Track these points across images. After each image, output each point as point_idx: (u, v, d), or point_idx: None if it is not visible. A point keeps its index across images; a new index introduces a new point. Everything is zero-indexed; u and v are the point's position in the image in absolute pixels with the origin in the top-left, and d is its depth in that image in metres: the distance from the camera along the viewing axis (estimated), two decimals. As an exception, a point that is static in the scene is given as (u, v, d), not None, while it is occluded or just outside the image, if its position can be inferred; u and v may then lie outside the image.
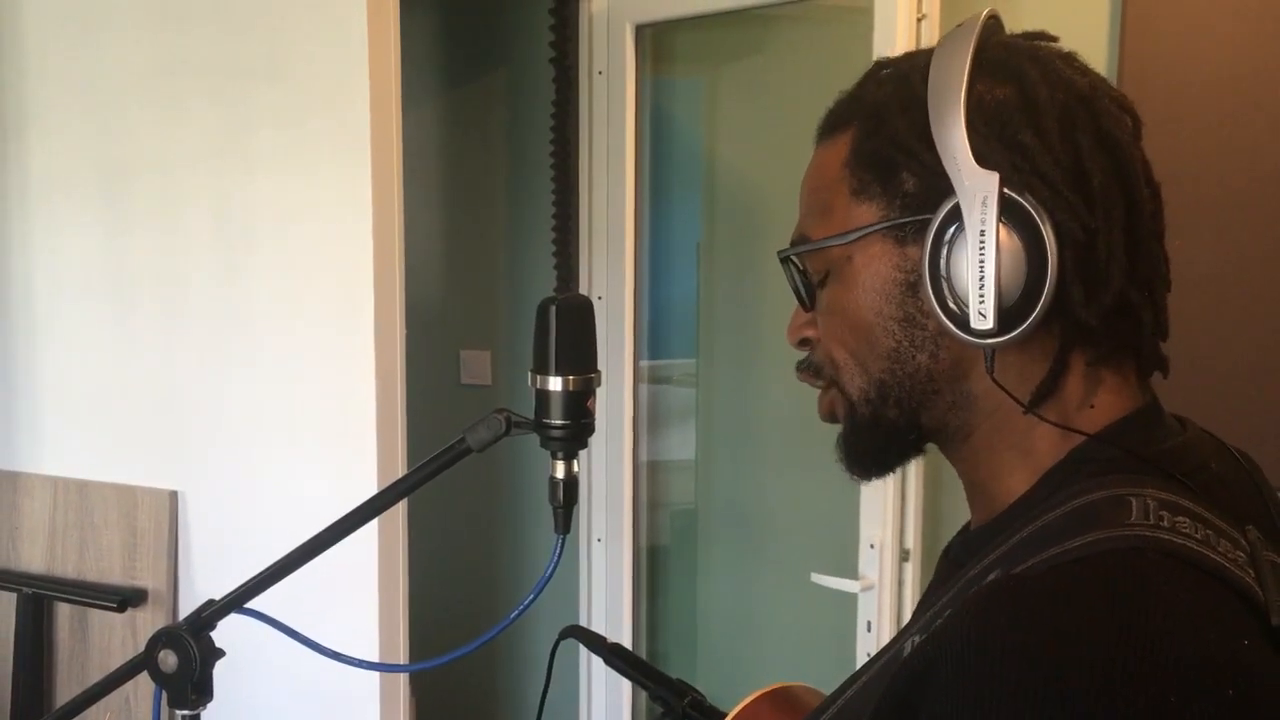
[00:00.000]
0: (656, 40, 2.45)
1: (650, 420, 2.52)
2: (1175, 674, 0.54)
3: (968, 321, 0.69)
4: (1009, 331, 0.69)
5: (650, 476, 2.53)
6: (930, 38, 1.94)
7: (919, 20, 1.93)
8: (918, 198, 0.73)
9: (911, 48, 1.87)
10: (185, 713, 0.98)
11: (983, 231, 0.68)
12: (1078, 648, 0.55)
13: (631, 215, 2.39)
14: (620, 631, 2.44)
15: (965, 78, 0.71)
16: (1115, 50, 1.87)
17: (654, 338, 2.52)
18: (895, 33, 1.90)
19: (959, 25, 0.75)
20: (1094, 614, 0.57)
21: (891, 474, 0.84)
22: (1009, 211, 0.68)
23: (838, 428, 0.85)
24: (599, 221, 2.42)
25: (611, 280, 2.41)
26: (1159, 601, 0.57)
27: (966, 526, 0.83)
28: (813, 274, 0.81)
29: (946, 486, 2.05)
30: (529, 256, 2.59)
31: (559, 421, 0.88)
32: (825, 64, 2.22)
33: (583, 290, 2.44)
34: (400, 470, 1.89)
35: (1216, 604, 0.60)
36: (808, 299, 0.83)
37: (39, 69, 2.16)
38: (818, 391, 0.85)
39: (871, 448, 0.81)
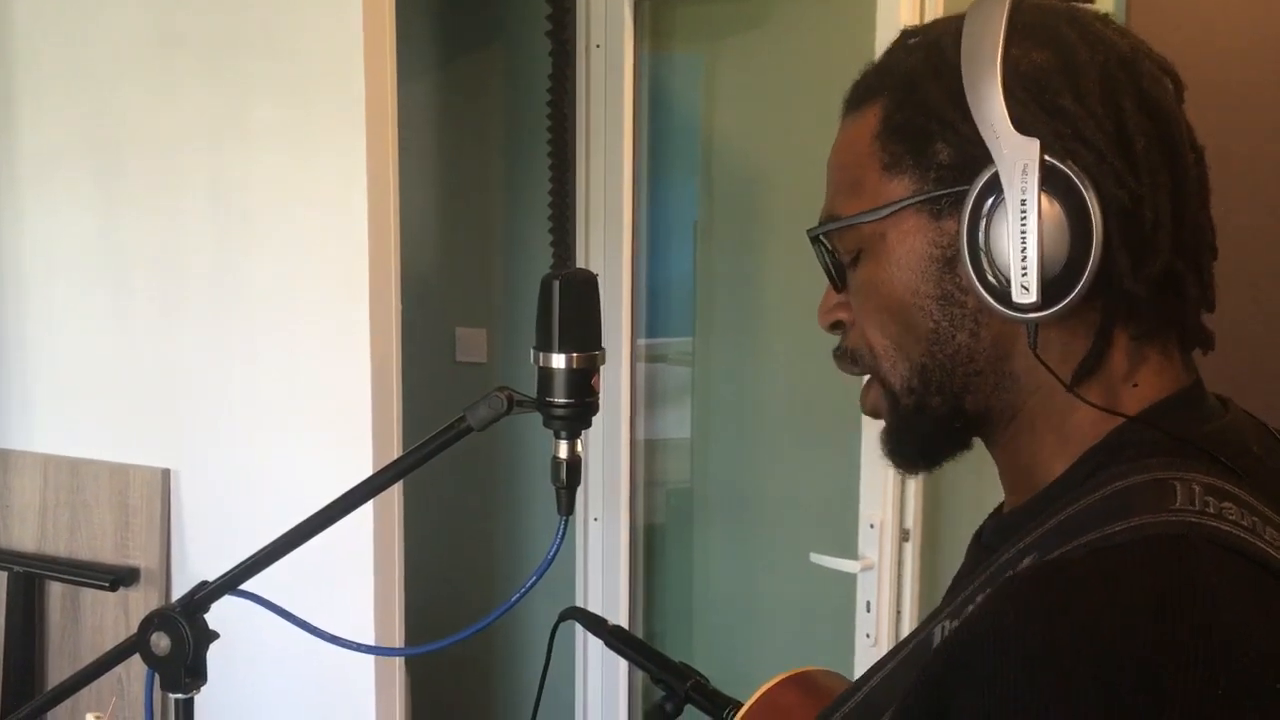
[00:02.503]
0: (655, 14, 2.42)
1: (647, 399, 2.51)
2: (1222, 665, 0.53)
3: (1009, 296, 0.67)
4: (1053, 305, 0.66)
5: (647, 455, 2.51)
6: (935, 12, 1.91)
7: (923, -7, 1.90)
8: (953, 169, 0.71)
9: (917, 22, 1.84)
10: (178, 696, 0.96)
11: (1024, 201, 0.65)
12: (1120, 636, 0.53)
13: (629, 192, 2.37)
14: (617, 611, 2.43)
15: (1000, 41, 0.68)
16: (1120, 18, 1.85)
17: (651, 316, 2.50)
18: (899, 6, 1.87)
19: None
20: (1138, 601, 0.55)
21: (939, 467, 0.81)
22: (1051, 179, 0.65)
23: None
24: (596, 198, 2.40)
25: (609, 257, 2.39)
26: (1205, 590, 0.56)
27: (999, 509, 0.81)
28: (844, 253, 0.78)
29: (946, 466, 2.03)
30: (525, 233, 2.57)
31: (563, 400, 0.86)
32: (827, 39, 2.19)
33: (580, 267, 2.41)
34: (396, 448, 1.88)
35: (1264, 593, 0.58)
36: (839, 279, 0.80)
37: (29, 45, 2.13)
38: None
39: (918, 439, 0.78)
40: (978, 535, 0.82)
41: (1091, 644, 0.53)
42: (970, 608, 0.64)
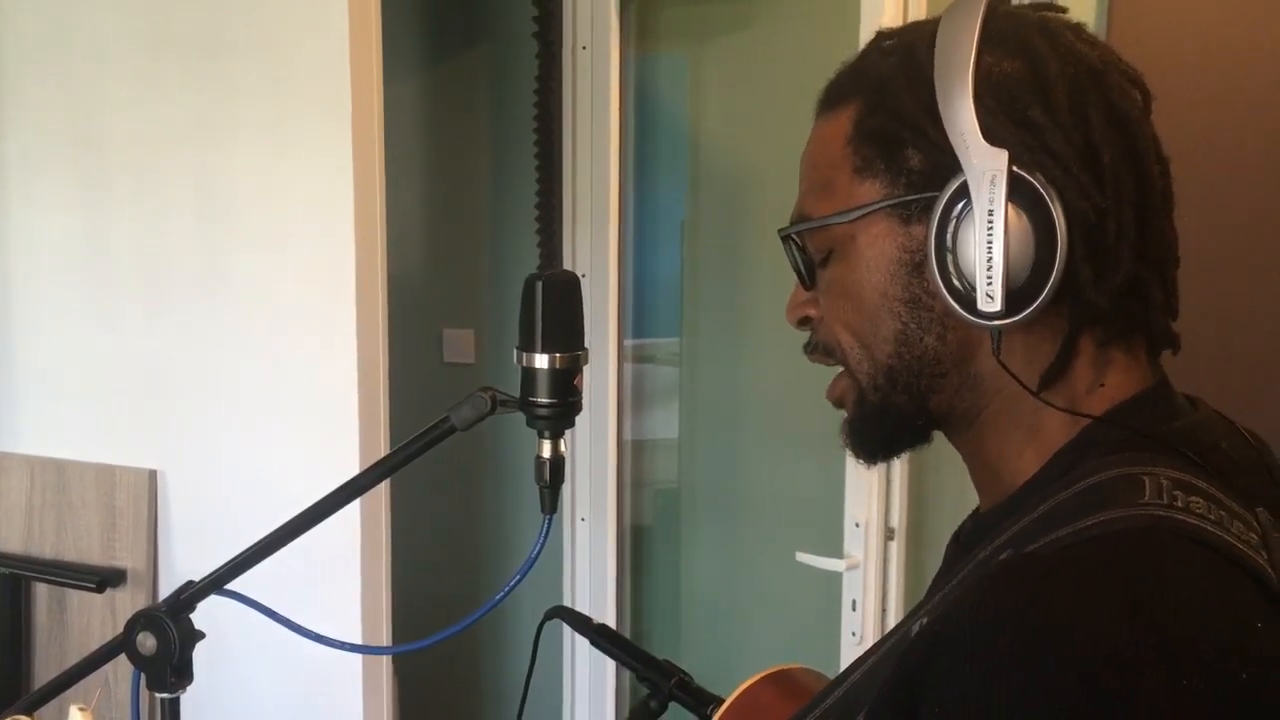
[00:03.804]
0: (641, 15, 2.43)
1: (634, 399, 2.51)
2: (1189, 656, 0.54)
3: (974, 302, 0.68)
4: (1016, 313, 0.67)
5: (634, 455, 2.52)
6: (917, 14, 1.93)
7: (907, -5, 1.91)
8: (923, 175, 0.72)
9: (900, 24, 1.85)
10: (164, 696, 0.97)
11: (991, 211, 0.67)
12: (1090, 628, 0.55)
13: (615, 192, 2.37)
14: (604, 611, 2.44)
15: (974, 50, 0.69)
16: (1103, 23, 1.86)
17: (638, 316, 2.51)
18: (882, 7, 1.88)
19: None
20: (1107, 594, 0.56)
21: (898, 458, 0.83)
22: (1018, 190, 0.67)
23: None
24: (583, 198, 2.40)
25: (595, 258, 2.39)
26: (1173, 583, 0.57)
27: (976, 511, 0.82)
28: (814, 252, 0.79)
29: (931, 465, 2.04)
30: (512, 234, 2.57)
31: (546, 400, 0.87)
32: (811, 39, 2.20)
33: (566, 268, 2.42)
34: (383, 450, 1.88)
35: (1230, 586, 0.59)
36: (808, 278, 0.81)
37: (14, 43, 2.12)
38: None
39: (880, 434, 0.80)
40: (956, 536, 0.83)
41: (1061, 637, 0.55)
42: (947, 603, 0.65)
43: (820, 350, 0.81)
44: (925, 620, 0.67)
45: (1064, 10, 0.77)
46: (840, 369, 0.81)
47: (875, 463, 0.83)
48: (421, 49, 2.72)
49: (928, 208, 0.71)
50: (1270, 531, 0.65)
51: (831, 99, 0.79)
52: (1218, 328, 1.78)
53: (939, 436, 0.82)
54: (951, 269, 0.69)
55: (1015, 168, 0.67)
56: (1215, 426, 0.75)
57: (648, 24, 2.44)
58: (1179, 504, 0.62)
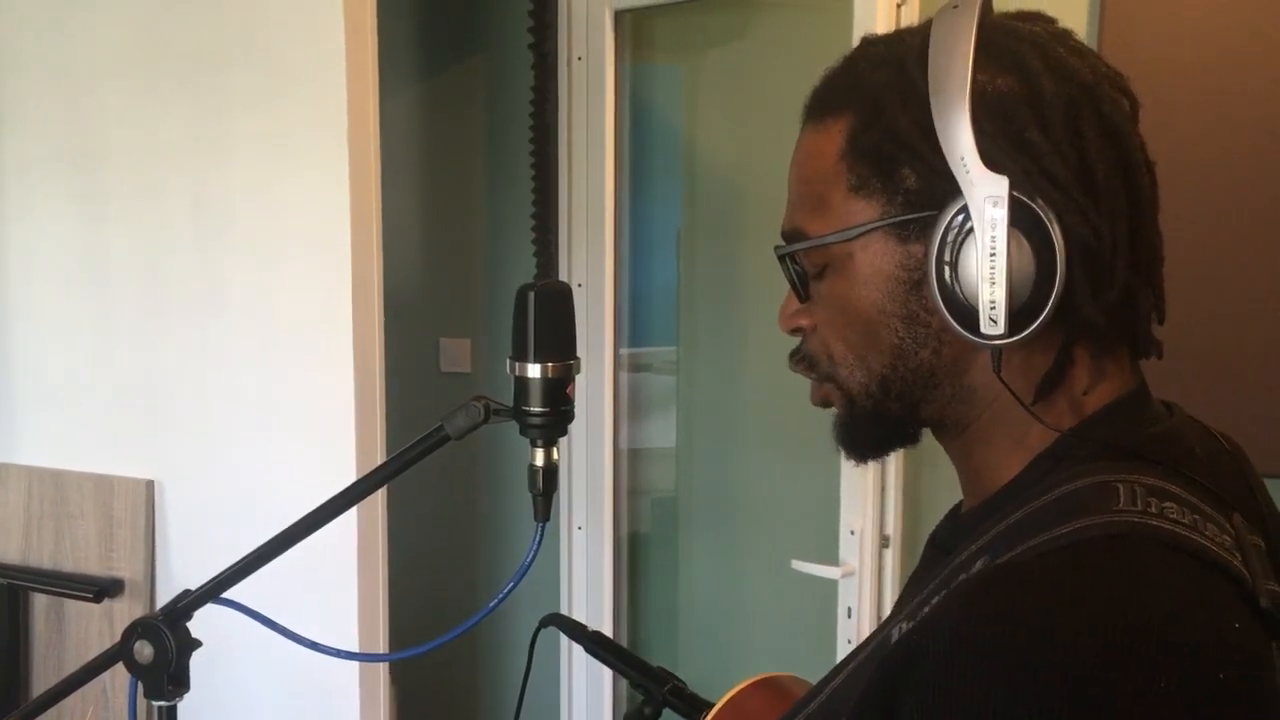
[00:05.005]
0: (636, 26, 2.44)
1: (631, 408, 2.52)
2: (1166, 658, 0.55)
3: (976, 323, 0.69)
4: (1018, 333, 0.68)
5: (631, 464, 2.52)
6: (910, 23, 1.93)
7: (899, 6, 1.92)
8: (920, 195, 0.72)
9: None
10: (162, 704, 0.97)
11: (993, 237, 0.67)
12: (1069, 635, 0.55)
13: (611, 202, 2.38)
14: (601, 619, 2.44)
15: (969, 70, 0.68)
16: (1094, 29, 1.87)
17: (634, 325, 2.51)
18: (875, 19, 1.90)
19: (954, 6, 0.72)
20: (1084, 601, 0.57)
21: (886, 456, 0.84)
22: (1018, 215, 0.67)
23: (821, 415, 0.84)
24: (579, 208, 2.41)
25: (591, 267, 2.40)
26: (1149, 587, 0.58)
27: (954, 510, 0.83)
28: (809, 266, 0.79)
29: (926, 472, 2.05)
30: (508, 244, 2.58)
31: (538, 409, 0.88)
32: (805, 50, 2.21)
33: (563, 277, 2.43)
34: (379, 459, 1.88)
35: (1205, 588, 0.60)
36: (803, 291, 0.81)
37: (11, 54, 2.13)
38: (799, 380, 0.84)
39: (871, 438, 0.81)
40: (932, 538, 0.84)
41: (1041, 645, 0.55)
42: (925, 610, 0.66)
43: (805, 362, 0.82)
44: (905, 625, 0.68)
45: (1053, 21, 0.77)
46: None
47: (865, 462, 0.84)
48: (417, 60, 2.73)
49: (925, 226, 0.71)
50: (1244, 535, 0.65)
51: (820, 109, 0.78)
52: (1215, 329, 1.79)
53: (930, 438, 0.83)
54: (952, 289, 0.69)
55: (1015, 193, 0.67)
56: (1190, 432, 0.76)
57: (642, 35, 2.45)
58: (1153, 510, 0.63)
